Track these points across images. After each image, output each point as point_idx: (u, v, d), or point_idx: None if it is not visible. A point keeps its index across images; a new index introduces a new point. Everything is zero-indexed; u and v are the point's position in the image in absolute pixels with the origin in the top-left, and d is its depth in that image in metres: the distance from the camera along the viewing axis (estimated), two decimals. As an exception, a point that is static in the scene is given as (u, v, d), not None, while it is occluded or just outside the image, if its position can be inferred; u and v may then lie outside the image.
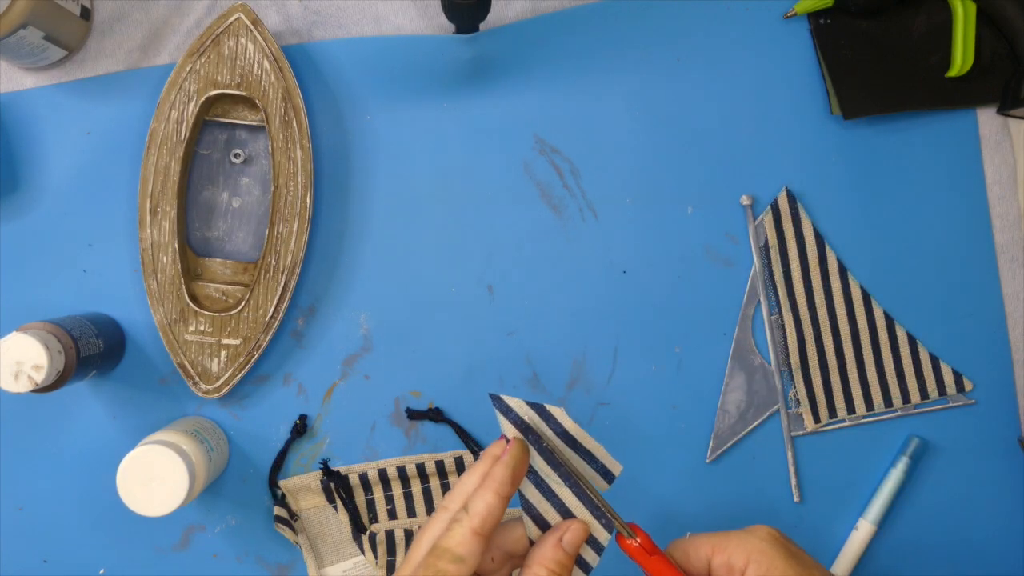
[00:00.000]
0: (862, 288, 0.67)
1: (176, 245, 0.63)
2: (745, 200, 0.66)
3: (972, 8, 0.65)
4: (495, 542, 0.50)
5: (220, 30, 0.63)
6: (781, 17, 0.67)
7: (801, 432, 0.67)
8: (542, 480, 0.49)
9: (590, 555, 0.50)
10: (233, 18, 0.63)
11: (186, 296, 0.63)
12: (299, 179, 0.63)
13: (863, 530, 0.67)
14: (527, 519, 0.49)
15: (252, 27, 0.63)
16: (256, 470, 0.66)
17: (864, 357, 0.67)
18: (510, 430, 0.48)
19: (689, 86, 0.67)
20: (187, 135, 0.63)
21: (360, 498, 0.66)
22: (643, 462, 0.67)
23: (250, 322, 0.64)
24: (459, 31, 0.65)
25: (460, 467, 0.66)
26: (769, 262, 0.67)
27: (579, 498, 0.49)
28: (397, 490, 0.66)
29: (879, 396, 0.67)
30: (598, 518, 0.49)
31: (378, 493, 0.66)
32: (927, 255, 0.67)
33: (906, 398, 0.67)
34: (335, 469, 0.66)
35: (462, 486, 0.49)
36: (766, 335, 0.67)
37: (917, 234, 0.67)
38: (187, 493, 0.57)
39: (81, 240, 0.66)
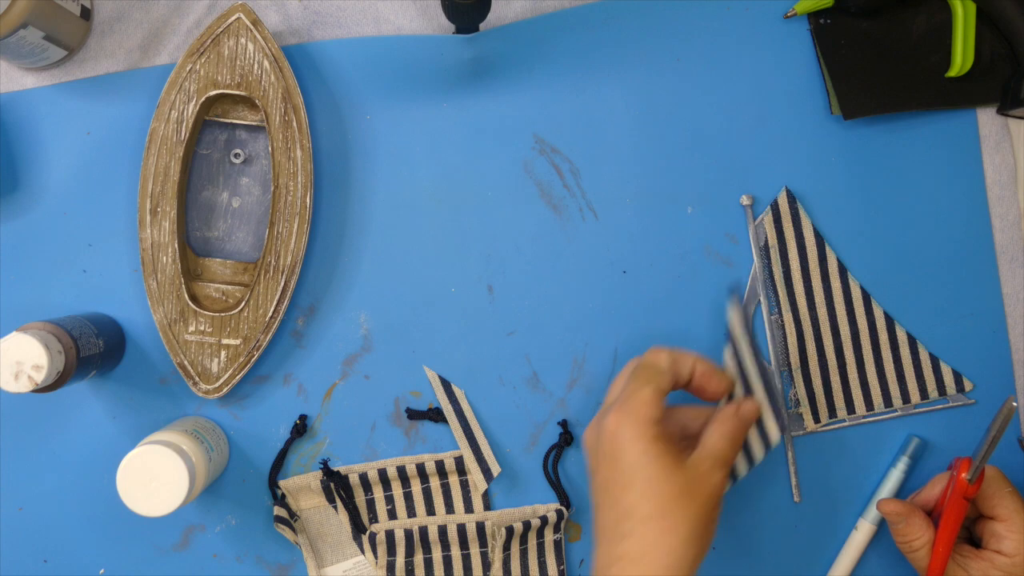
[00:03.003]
0: (862, 288, 0.67)
1: (176, 245, 0.63)
2: (745, 200, 0.66)
3: (972, 8, 0.65)
4: (676, 418, 0.60)
5: (220, 30, 0.63)
6: (781, 17, 0.67)
7: (801, 432, 0.67)
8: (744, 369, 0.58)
9: (758, 449, 0.58)
10: (233, 18, 0.63)
11: (186, 296, 0.63)
12: (299, 179, 0.63)
13: (863, 530, 0.67)
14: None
15: (252, 27, 0.63)
16: (256, 470, 0.66)
17: (864, 357, 0.67)
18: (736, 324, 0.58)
19: (689, 86, 0.67)
20: (187, 135, 0.63)
21: (360, 498, 0.66)
22: (643, 462, 0.67)
23: (250, 322, 0.64)
24: (459, 31, 0.65)
25: (460, 467, 0.66)
26: (769, 262, 0.67)
27: (766, 393, 0.58)
28: (397, 490, 0.66)
29: (879, 396, 0.67)
30: (776, 413, 0.58)
31: (378, 493, 0.66)
32: (927, 255, 0.67)
33: (906, 398, 0.67)
34: (335, 469, 0.66)
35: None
36: (766, 335, 0.67)
37: (917, 234, 0.67)
38: (187, 493, 0.57)
39: (81, 240, 0.66)
